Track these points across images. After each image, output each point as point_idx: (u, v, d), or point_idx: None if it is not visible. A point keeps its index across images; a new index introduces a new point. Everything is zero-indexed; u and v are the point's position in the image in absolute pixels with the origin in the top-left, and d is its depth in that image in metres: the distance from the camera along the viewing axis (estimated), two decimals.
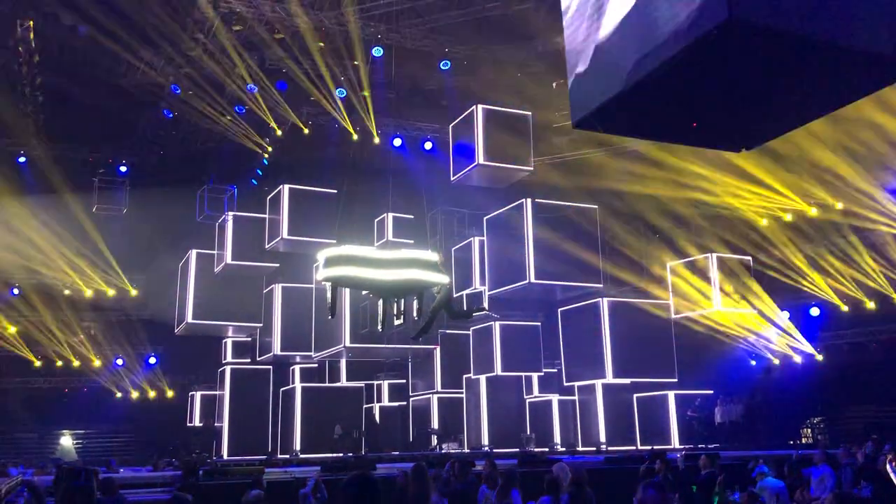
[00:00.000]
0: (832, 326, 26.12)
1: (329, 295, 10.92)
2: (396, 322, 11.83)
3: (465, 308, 18.40)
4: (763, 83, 5.92)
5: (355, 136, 28.81)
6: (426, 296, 11.91)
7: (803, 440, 24.57)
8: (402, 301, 11.60)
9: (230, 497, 10.83)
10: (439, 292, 11.38)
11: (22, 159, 27.35)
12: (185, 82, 24.36)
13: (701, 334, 23.95)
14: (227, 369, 25.30)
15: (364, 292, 11.87)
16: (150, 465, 19.78)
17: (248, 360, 25.88)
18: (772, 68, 5.69)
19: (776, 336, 24.73)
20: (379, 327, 11.80)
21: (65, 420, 30.87)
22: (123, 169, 28.87)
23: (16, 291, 31.64)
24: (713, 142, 7.45)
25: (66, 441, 30.17)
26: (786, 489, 10.08)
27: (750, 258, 23.90)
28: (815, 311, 26.20)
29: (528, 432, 22.95)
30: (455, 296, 13.87)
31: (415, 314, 11.91)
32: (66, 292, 31.68)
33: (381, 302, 11.53)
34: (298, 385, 24.83)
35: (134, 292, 31.61)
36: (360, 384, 25.37)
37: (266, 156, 28.23)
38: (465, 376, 23.81)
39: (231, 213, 24.45)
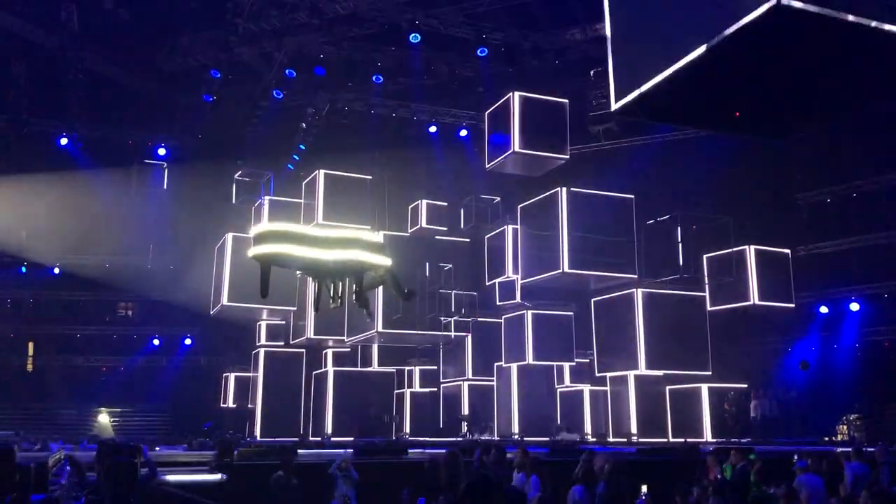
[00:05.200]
0: (872, 322, 25.67)
1: (261, 274, 9.94)
2: (332, 305, 10.83)
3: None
4: (810, 70, 5.80)
5: (391, 123, 28.89)
6: (367, 278, 10.97)
7: (839, 437, 24.20)
8: (340, 283, 10.62)
9: (264, 477, 11.00)
10: (382, 277, 10.55)
11: (64, 141, 27.81)
12: (224, 67, 24.53)
13: (737, 327, 23.65)
14: (261, 352, 25.56)
15: (299, 273, 10.66)
16: (185, 444, 20.08)
17: (282, 344, 26.13)
18: (819, 55, 5.58)
19: None
20: (313, 308, 10.92)
21: (102, 398, 31.51)
22: (162, 152, 29.25)
23: (56, 270, 32.32)
24: (755, 130, 7.33)
25: (104, 418, 30.79)
26: (824, 485, 9.94)
27: (788, 251, 23.52)
28: (854, 307, 25.77)
29: (560, 422, 22.90)
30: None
31: (354, 298, 10.96)
32: (105, 273, 32.27)
33: (308, 281, 10.41)
34: (331, 369, 25.03)
35: (171, 274, 32.06)
36: (392, 369, 25.50)
37: (302, 141, 28.40)
38: (496, 364, 23.80)
39: (267, 198, 24.64)
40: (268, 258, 9.75)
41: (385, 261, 10.15)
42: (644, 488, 9.41)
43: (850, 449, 12.37)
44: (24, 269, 32.06)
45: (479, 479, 3.99)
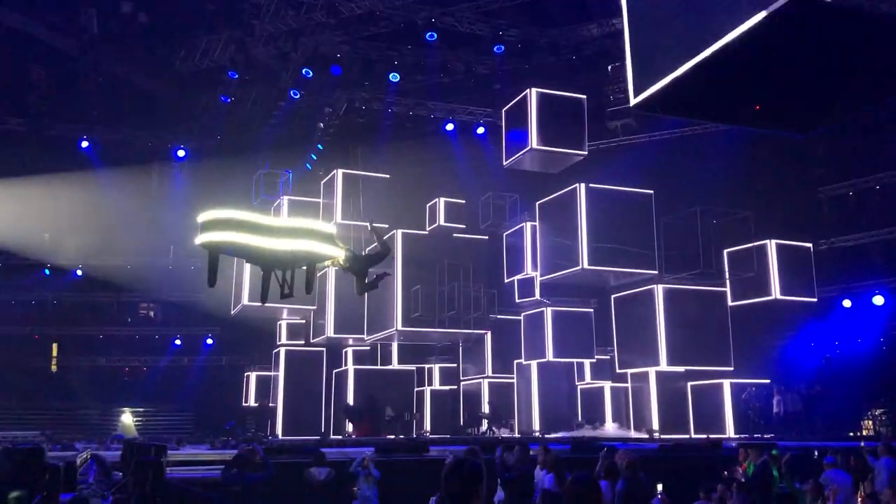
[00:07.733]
0: None
1: (209, 262, 9.59)
2: (283, 296, 10.53)
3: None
4: (829, 64, 5.74)
5: (408, 121, 28.93)
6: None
7: (864, 432, 23.96)
8: (290, 273, 10.37)
9: (286, 474, 11.04)
10: (345, 263, 10.31)
11: (84, 144, 28.09)
12: (241, 68, 24.66)
13: (759, 322, 23.45)
14: (282, 351, 25.67)
15: (246, 262, 10.03)
16: (207, 443, 20.24)
17: (302, 342, 26.24)
18: (839, 48, 5.52)
19: None
20: (260, 300, 10.61)
21: (125, 398, 31.81)
22: (181, 153, 29.45)
23: (79, 272, 32.66)
24: (775, 125, 7.26)
25: (127, 418, 31.06)
26: (851, 481, 9.84)
27: (810, 245, 23.30)
28: (878, 300, 25.48)
29: (581, 419, 22.84)
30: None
31: (304, 289, 10.66)
32: (127, 274, 32.57)
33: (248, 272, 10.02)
34: (351, 367, 25.10)
35: (192, 274, 32.28)
36: (412, 367, 25.52)
37: (320, 140, 28.49)
38: (516, 362, 23.77)
39: (286, 197, 24.75)
40: (215, 247, 9.35)
41: (338, 252, 9.92)
42: (660, 487, 9.30)
43: (877, 444, 12.18)
44: (47, 272, 32.44)
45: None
